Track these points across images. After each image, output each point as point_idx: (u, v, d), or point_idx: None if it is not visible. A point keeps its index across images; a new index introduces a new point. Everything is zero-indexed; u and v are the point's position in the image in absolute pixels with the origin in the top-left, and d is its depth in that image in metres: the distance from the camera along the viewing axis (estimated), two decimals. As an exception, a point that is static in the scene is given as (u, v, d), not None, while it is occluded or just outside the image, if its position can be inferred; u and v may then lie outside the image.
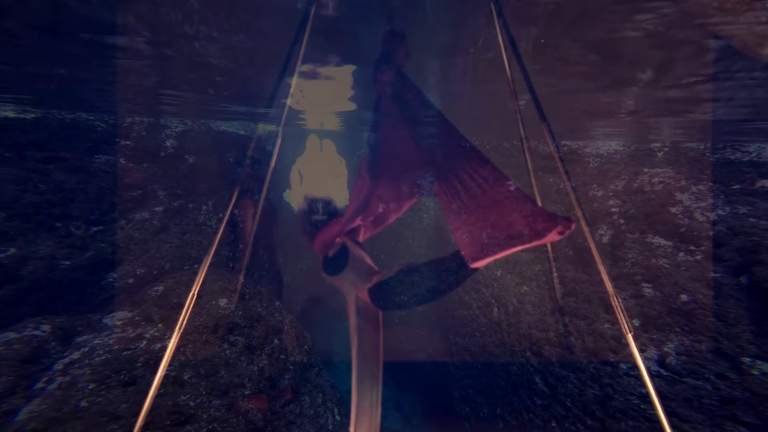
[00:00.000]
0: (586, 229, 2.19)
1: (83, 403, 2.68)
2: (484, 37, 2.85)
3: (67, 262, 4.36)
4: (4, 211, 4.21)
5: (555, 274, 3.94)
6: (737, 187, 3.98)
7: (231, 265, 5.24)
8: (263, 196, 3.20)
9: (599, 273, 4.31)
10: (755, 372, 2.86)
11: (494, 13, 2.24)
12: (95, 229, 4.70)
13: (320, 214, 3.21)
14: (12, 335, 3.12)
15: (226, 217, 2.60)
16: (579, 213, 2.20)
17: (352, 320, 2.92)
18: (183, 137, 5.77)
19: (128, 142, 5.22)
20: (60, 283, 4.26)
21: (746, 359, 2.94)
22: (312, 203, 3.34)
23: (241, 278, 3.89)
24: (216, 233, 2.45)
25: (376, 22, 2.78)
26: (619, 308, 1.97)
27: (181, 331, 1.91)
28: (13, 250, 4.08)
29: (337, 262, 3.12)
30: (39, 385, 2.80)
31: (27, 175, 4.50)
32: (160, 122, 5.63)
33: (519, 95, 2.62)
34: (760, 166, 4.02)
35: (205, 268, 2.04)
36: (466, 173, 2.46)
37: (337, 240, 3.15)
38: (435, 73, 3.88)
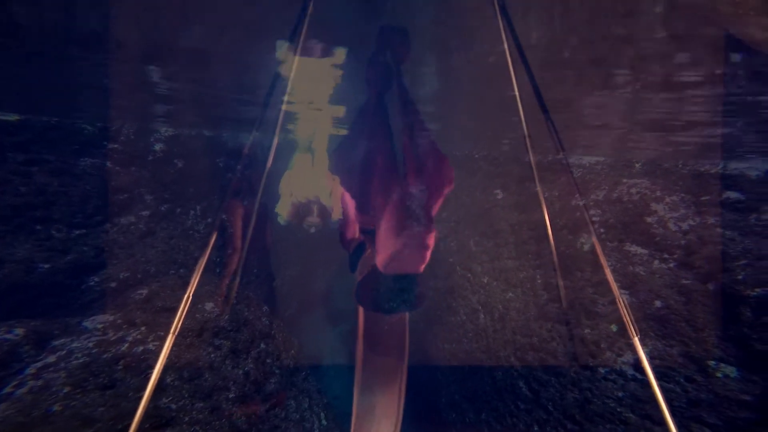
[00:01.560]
0: (595, 240, 2.25)
1: (56, 407, 2.63)
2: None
3: (46, 265, 4.27)
4: (-18, 212, 4.13)
5: (561, 285, 4.00)
6: (706, 198, 4.20)
7: (218, 270, 5.21)
8: (258, 198, 3.18)
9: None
10: (719, 374, 3.01)
11: (497, 8, 2.09)
12: (78, 232, 4.63)
13: (314, 216, 3.10)
14: (-17, 339, 3.05)
15: (217, 222, 2.63)
16: (588, 220, 2.27)
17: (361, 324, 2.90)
18: (173, 141, 5.75)
19: (116, 145, 5.19)
20: (38, 286, 4.17)
21: (711, 362, 3.09)
22: (301, 208, 3.25)
23: (227, 281, 3.89)
24: (208, 236, 2.48)
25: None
26: (625, 312, 2.00)
27: (176, 334, 1.91)
28: (-12, 253, 3.99)
29: (354, 259, 3.08)
30: (6, 389, 2.73)
31: (7, 177, 4.41)
32: (149, 126, 5.61)
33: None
34: (726, 178, 4.26)
35: (200, 270, 2.04)
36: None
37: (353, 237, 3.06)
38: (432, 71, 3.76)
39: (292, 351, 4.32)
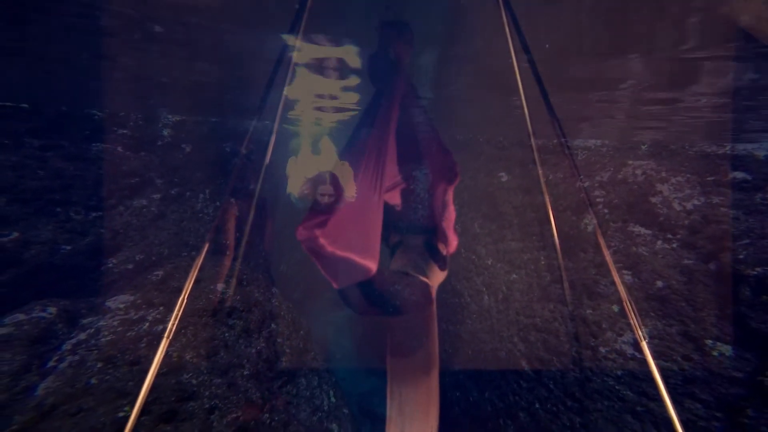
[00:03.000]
0: (599, 232, 2.31)
1: (93, 381, 2.84)
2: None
3: (68, 247, 4.46)
4: (4, 196, 4.29)
5: (565, 283, 4.09)
6: (712, 178, 4.19)
7: (228, 253, 5.37)
8: (258, 187, 3.19)
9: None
10: (715, 353, 3.10)
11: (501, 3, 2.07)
12: (94, 214, 4.79)
13: (328, 185, 2.87)
14: (21, 316, 3.25)
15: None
16: (587, 200, 2.32)
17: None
18: (180, 127, 5.83)
19: (125, 131, 5.27)
20: (61, 267, 4.37)
21: (708, 341, 3.18)
22: (315, 179, 2.97)
23: (227, 263, 4.04)
24: (212, 221, 2.58)
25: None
26: (633, 316, 2.05)
27: (180, 314, 2.00)
28: (15, 234, 4.17)
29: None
30: (50, 363, 2.95)
31: (25, 162, 4.55)
32: (157, 113, 5.68)
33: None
34: (733, 159, 4.22)
35: (203, 255, 2.12)
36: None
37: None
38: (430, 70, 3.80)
39: (302, 332, 4.50)
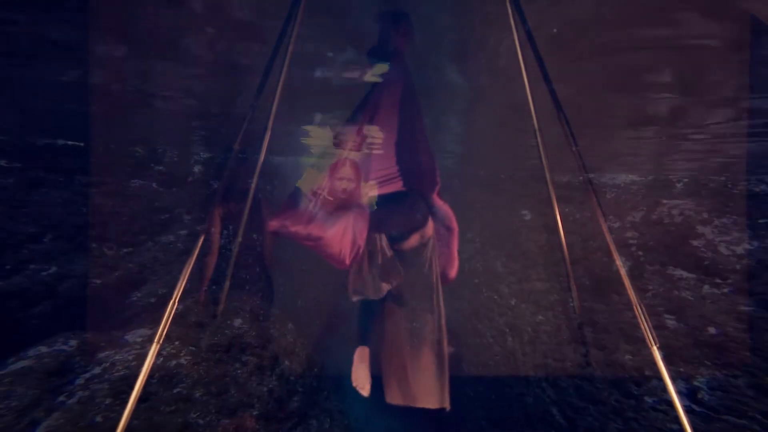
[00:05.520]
0: (613, 247, 2.13)
1: (98, 418, 2.77)
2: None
3: (98, 281, 4.62)
4: (51, 232, 4.58)
5: (575, 302, 3.81)
6: (763, 221, 3.86)
7: (247, 288, 5.39)
8: (252, 189, 3.05)
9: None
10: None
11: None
12: (125, 250, 5.00)
13: (347, 167, 2.54)
14: (43, 349, 3.31)
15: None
16: (608, 237, 2.17)
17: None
18: (209, 163, 6.17)
19: (161, 168, 5.62)
20: (90, 300, 4.51)
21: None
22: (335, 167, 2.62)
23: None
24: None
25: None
26: (642, 318, 1.87)
27: (160, 343, 1.89)
28: (54, 268, 4.39)
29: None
30: (60, 398, 2.93)
31: (73, 198, 4.89)
32: (190, 150, 6.06)
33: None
34: (781, 198, 3.92)
35: (185, 278, 2.02)
36: None
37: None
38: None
39: (315, 369, 4.32)
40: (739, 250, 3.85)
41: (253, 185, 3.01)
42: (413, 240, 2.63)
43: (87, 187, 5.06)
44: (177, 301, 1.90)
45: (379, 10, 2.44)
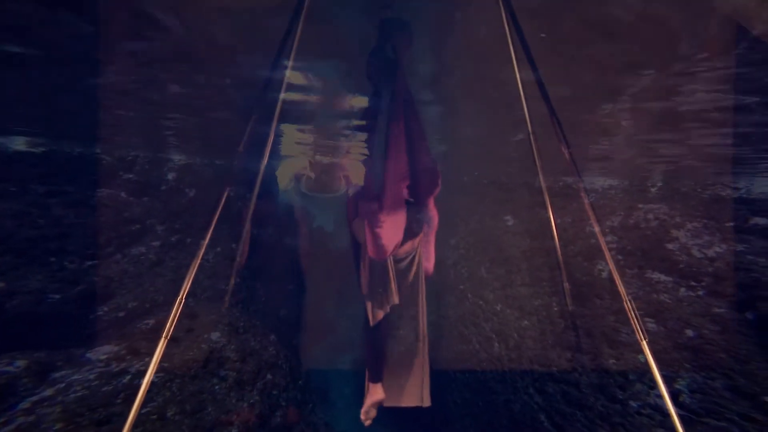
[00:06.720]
0: (604, 244, 2.13)
1: (43, 446, 2.49)
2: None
3: (57, 296, 4.26)
4: (-2, 246, 4.18)
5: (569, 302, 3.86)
6: (731, 224, 4.03)
7: (225, 299, 5.14)
8: (254, 195, 3.03)
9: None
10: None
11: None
12: (89, 263, 4.65)
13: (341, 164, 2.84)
14: (-17, 371, 2.98)
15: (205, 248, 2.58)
16: (601, 240, 2.16)
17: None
18: (185, 170, 5.89)
19: (131, 176, 5.32)
20: (47, 316, 4.15)
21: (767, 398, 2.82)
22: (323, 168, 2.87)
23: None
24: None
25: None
26: (632, 313, 1.87)
27: (168, 338, 1.79)
28: (1, 285, 4.00)
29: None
30: (-6, 425, 2.61)
31: (27, 210, 4.50)
32: (163, 156, 5.76)
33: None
34: (750, 203, 4.10)
35: (191, 276, 1.90)
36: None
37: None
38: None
39: (300, 382, 4.14)
40: (711, 252, 4.00)
41: (255, 190, 2.98)
42: (406, 247, 2.69)
43: (45, 197, 4.68)
44: (185, 296, 1.80)
45: (380, 17, 2.44)
